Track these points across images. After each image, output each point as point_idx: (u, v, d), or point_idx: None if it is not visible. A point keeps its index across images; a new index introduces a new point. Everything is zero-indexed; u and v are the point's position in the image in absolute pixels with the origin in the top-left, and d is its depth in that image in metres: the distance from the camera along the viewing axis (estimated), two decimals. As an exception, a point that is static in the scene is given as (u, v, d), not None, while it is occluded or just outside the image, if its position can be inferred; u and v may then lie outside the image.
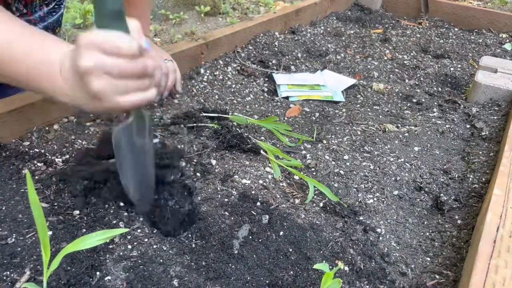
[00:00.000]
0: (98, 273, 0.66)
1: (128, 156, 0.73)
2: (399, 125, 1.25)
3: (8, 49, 0.70)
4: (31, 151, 0.90)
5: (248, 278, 0.70)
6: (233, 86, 1.36)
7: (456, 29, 2.16)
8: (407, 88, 1.51)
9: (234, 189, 0.89)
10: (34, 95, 0.96)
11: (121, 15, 0.63)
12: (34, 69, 0.69)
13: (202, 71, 1.38)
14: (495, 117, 1.30)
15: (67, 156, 0.91)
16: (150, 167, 0.78)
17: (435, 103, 1.42)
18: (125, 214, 0.77)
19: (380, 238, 0.84)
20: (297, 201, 0.90)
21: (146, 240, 0.73)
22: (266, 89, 1.40)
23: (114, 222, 0.75)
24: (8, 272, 0.63)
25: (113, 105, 0.65)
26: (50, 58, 0.68)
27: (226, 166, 0.96)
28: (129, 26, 0.64)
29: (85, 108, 0.68)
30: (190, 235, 0.77)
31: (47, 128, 0.99)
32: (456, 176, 1.04)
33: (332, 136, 1.15)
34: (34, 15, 1.02)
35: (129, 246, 0.71)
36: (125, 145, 0.72)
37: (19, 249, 0.67)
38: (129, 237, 0.73)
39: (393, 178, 1.01)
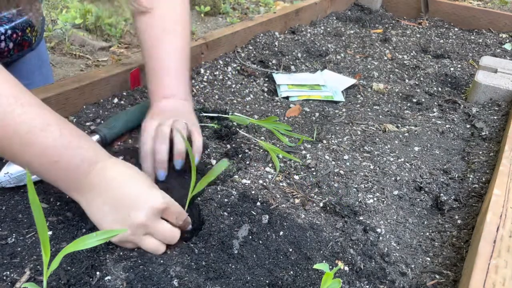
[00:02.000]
0: (98, 273, 0.66)
1: None
2: (399, 125, 1.25)
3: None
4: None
5: (248, 278, 0.70)
6: (233, 86, 1.36)
7: (456, 29, 2.16)
8: (407, 88, 1.51)
9: (234, 189, 0.89)
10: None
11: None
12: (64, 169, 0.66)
13: (202, 71, 1.38)
14: (495, 117, 1.30)
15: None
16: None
17: (435, 103, 1.42)
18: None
19: (380, 238, 0.85)
20: (297, 201, 0.90)
21: (146, 240, 0.73)
22: (266, 89, 1.40)
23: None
24: (8, 272, 0.64)
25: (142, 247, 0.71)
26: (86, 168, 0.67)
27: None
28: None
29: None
30: (189, 234, 0.77)
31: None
32: (456, 176, 1.04)
33: (332, 136, 1.15)
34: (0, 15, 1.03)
35: (129, 246, 0.71)
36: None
37: (19, 249, 0.67)
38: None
39: (393, 178, 1.01)
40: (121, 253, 0.70)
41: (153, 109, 0.91)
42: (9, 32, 1.06)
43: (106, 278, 0.65)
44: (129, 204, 0.66)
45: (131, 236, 0.67)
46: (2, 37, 1.05)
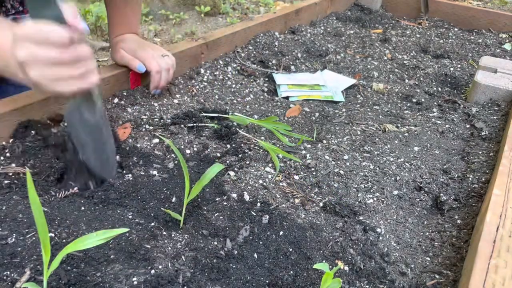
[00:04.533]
0: (98, 273, 0.66)
1: (82, 133, 0.79)
2: (399, 125, 1.25)
3: None
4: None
5: (248, 278, 0.70)
6: (233, 86, 1.36)
7: (456, 29, 2.16)
8: (407, 88, 1.51)
9: (233, 189, 0.89)
10: (34, 95, 0.96)
11: (50, 2, 0.67)
12: None
13: (202, 71, 1.38)
14: (495, 117, 1.30)
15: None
16: (107, 141, 0.85)
17: (435, 103, 1.42)
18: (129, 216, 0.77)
19: (380, 238, 0.85)
20: (297, 201, 0.90)
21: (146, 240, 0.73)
22: (266, 89, 1.40)
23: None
24: (8, 272, 0.64)
25: (53, 91, 0.72)
26: (2, 43, 0.72)
27: (225, 166, 0.96)
28: (64, 12, 0.68)
29: (36, 91, 0.74)
30: (190, 235, 0.77)
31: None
32: (456, 176, 1.04)
33: (332, 136, 1.15)
34: (8, 18, 1.02)
35: (129, 246, 0.71)
36: (78, 123, 0.78)
37: (19, 249, 0.67)
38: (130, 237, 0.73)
39: (393, 178, 1.01)
40: (127, 259, 0.70)
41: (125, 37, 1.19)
42: None
43: (107, 278, 0.66)
44: (11, 51, 0.70)
45: (33, 75, 0.69)
46: None
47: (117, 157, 0.92)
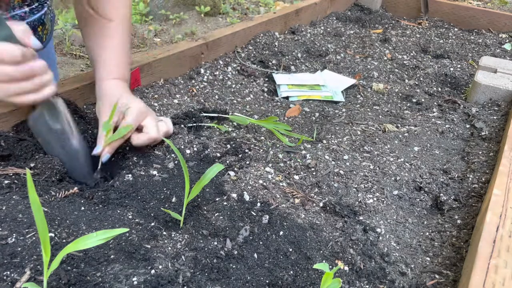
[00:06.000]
0: (98, 273, 0.66)
1: (48, 139, 0.82)
2: (399, 125, 1.25)
3: None
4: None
5: (248, 278, 0.70)
6: (233, 86, 1.36)
7: (456, 29, 2.16)
8: (407, 88, 1.51)
9: (233, 189, 0.89)
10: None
11: (1, 23, 0.71)
12: None
13: (202, 71, 1.38)
14: (495, 117, 1.30)
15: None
16: (78, 148, 0.87)
17: (435, 103, 1.42)
18: (130, 216, 0.77)
19: (380, 238, 0.85)
20: (297, 201, 0.90)
21: (145, 239, 0.73)
22: (266, 89, 1.40)
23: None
24: (8, 272, 0.64)
25: (12, 104, 0.76)
26: None
27: (225, 166, 0.96)
28: (16, 30, 0.73)
29: None
30: (190, 235, 0.77)
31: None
32: (456, 176, 1.04)
33: (332, 136, 1.15)
34: (11, 14, 1.03)
35: (129, 246, 0.71)
36: (43, 131, 0.81)
37: (19, 249, 0.67)
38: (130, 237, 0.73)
39: (393, 178, 1.01)
40: (127, 259, 0.70)
41: (110, 85, 0.97)
42: None
43: (107, 278, 0.66)
44: None
45: None
46: None
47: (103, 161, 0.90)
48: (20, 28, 0.75)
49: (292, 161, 1.02)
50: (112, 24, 0.99)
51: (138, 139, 0.91)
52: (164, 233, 0.76)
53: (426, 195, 0.98)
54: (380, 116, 1.30)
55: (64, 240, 0.70)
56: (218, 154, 1.01)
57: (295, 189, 0.93)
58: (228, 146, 1.05)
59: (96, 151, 0.88)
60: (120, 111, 0.90)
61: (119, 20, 1.00)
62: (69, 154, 0.85)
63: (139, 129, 0.93)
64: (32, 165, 0.86)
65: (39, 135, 0.83)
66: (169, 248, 0.73)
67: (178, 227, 0.78)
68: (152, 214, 0.79)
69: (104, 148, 0.88)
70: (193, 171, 0.93)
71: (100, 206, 0.80)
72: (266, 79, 1.45)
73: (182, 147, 1.01)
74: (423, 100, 1.43)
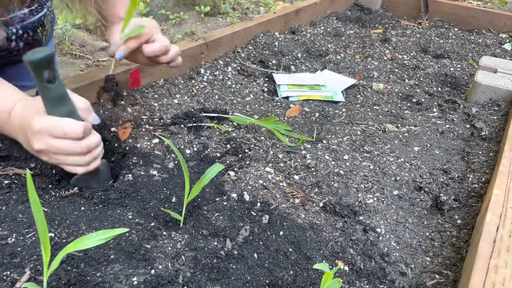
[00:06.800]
0: (98, 273, 0.66)
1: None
2: (399, 125, 1.25)
3: None
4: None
5: (248, 278, 0.70)
6: (233, 86, 1.36)
7: (456, 29, 2.16)
8: (407, 88, 1.51)
9: (233, 189, 0.89)
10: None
11: (65, 98, 0.75)
12: None
13: (202, 71, 1.38)
14: (495, 117, 1.30)
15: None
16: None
17: (435, 103, 1.42)
18: (130, 216, 0.77)
19: (380, 238, 0.85)
20: (297, 201, 0.90)
21: (145, 239, 0.73)
22: (266, 89, 1.40)
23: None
24: (8, 272, 0.64)
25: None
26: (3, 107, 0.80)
27: (225, 166, 0.96)
28: (78, 106, 0.78)
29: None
30: (190, 235, 0.77)
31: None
32: (456, 176, 1.04)
33: (332, 136, 1.15)
34: (10, 16, 1.03)
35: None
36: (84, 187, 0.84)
37: (19, 249, 0.67)
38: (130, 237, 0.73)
39: (393, 178, 1.01)
40: (127, 259, 0.70)
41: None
42: (20, 32, 1.07)
43: (107, 278, 0.66)
44: (26, 135, 0.77)
45: (45, 158, 0.78)
46: (13, 37, 1.05)
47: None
48: (82, 104, 0.80)
49: (292, 161, 1.02)
50: None
51: (151, 47, 0.96)
52: (164, 233, 0.76)
53: (426, 195, 0.98)
54: (380, 116, 1.30)
55: (64, 240, 0.70)
56: (218, 154, 1.01)
57: (295, 189, 0.93)
58: (228, 146, 1.05)
59: (111, 50, 0.93)
60: (134, 25, 0.94)
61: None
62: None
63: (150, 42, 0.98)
64: (32, 165, 0.86)
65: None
66: (169, 248, 0.73)
67: (178, 227, 0.78)
68: (152, 214, 0.79)
69: (120, 47, 0.94)
70: (193, 171, 0.93)
71: (100, 206, 0.80)
72: (266, 79, 1.45)
73: (182, 147, 1.01)
74: (423, 100, 1.43)
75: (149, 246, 0.73)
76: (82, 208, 0.79)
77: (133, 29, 0.92)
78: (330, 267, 0.75)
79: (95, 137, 0.80)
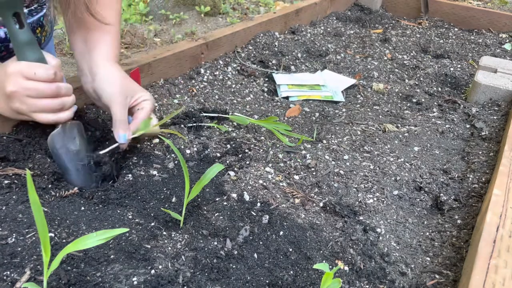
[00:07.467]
0: (98, 273, 0.66)
1: (63, 158, 0.86)
2: (399, 125, 1.25)
3: None
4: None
5: (248, 278, 0.70)
6: (233, 86, 1.36)
7: (456, 29, 2.16)
8: (407, 88, 1.51)
9: (233, 189, 0.89)
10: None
11: (34, 45, 0.80)
12: None
13: (202, 71, 1.38)
14: (495, 117, 1.30)
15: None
16: (87, 167, 0.88)
17: (435, 103, 1.42)
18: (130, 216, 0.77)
19: (380, 238, 0.85)
20: (297, 201, 0.90)
21: (145, 239, 0.73)
22: (266, 89, 1.40)
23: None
24: (8, 272, 0.64)
25: (33, 120, 0.82)
26: None
27: (225, 166, 0.96)
28: (50, 61, 0.82)
29: (12, 118, 0.85)
30: (190, 235, 0.77)
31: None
32: (456, 176, 1.04)
33: (332, 136, 1.15)
34: None
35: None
36: (59, 150, 0.85)
37: (19, 249, 0.67)
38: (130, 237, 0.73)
39: (393, 178, 1.01)
40: (127, 259, 0.70)
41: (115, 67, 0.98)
42: None
43: (107, 278, 0.65)
44: (2, 87, 0.80)
45: (17, 104, 0.80)
46: None
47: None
48: (53, 61, 0.83)
49: (292, 161, 1.02)
50: (109, 26, 1.01)
51: (135, 125, 0.94)
52: (164, 233, 0.76)
53: (426, 195, 0.98)
54: (380, 116, 1.30)
55: (64, 240, 0.70)
56: (218, 154, 1.01)
57: (295, 189, 0.93)
58: (228, 146, 1.05)
59: (123, 140, 0.89)
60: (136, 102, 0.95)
61: (115, 22, 1.03)
62: (80, 173, 0.87)
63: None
64: (32, 165, 0.86)
65: (54, 153, 0.86)
66: (169, 248, 0.73)
67: (178, 227, 0.78)
68: (152, 214, 0.79)
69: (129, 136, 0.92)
70: (193, 171, 0.93)
71: (100, 206, 0.80)
72: (266, 79, 1.45)
73: (182, 147, 1.01)
74: (423, 100, 1.43)
75: (149, 246, 0.73)
76: (82, 208, 0.79)
77: (143, 124, 0.91)
78: (330, 267, 0.75)
79: (66, 84, 0.83)
